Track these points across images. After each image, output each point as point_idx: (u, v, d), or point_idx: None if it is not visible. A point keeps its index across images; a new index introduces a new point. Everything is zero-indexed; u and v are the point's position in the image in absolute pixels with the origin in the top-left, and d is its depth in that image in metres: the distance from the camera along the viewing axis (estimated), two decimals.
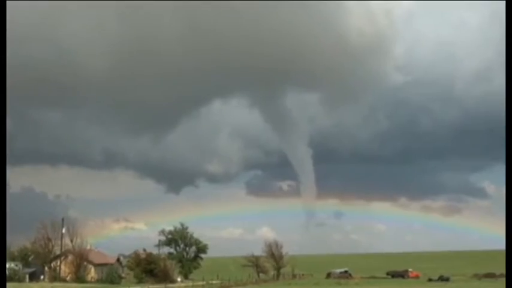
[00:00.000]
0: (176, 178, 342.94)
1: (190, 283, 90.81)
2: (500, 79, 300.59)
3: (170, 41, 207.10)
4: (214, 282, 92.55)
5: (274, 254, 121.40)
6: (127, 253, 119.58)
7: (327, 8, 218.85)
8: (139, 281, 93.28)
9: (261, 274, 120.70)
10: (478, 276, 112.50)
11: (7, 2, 34.01)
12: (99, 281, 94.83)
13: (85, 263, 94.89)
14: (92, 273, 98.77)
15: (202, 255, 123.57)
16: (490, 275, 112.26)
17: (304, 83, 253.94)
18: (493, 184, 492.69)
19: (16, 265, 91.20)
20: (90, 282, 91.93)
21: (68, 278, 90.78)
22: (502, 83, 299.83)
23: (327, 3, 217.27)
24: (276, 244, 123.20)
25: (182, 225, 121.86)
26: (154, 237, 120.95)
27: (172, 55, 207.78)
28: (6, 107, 31.94)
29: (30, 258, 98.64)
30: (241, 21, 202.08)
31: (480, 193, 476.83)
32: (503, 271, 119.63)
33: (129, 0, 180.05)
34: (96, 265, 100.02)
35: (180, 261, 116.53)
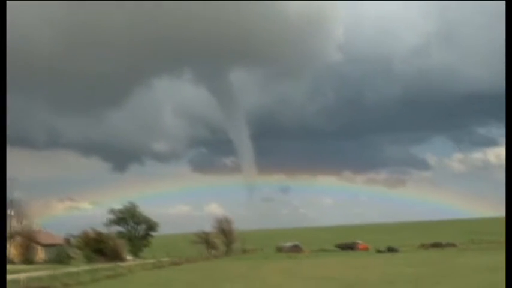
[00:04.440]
0: (121, 156, 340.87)
1: (140, 261, 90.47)
2: (438, 54, 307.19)
3: (114, 18, 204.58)
4: (164, 259, 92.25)
5: (224, 230, 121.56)
6: (74, 233, 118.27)
7: None
8: (89, 260, 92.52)
9: (211, 250, 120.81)
10: (425, 246, 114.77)
11: (7, 2, 33.09)
12: (48, 261, 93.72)
13: (33, 244, 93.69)
14: (41, 254, 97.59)
15: (152, 233, 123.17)
16: (436, 245, 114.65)
17: (249, 60, 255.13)
18: (435, 155, 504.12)
19: None
20: (39, 263, 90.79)
21: (16, 260, 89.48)
22: (440, 57, 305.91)
23: None
24: (226, 220, 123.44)
25: (131, 203, 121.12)
26: (102, 216, 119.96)
27: (117, 32, 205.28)
28: (6, 107, 31.15)
29: None
30: (183, 2, 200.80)
31: (422, 164, 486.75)
32: (449, 240, 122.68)
33: None
34: (44, 246, 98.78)
35: (129, 239, 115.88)
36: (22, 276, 49.55)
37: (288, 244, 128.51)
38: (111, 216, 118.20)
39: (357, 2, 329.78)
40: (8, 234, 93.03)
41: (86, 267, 70.21)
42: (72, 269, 66.36)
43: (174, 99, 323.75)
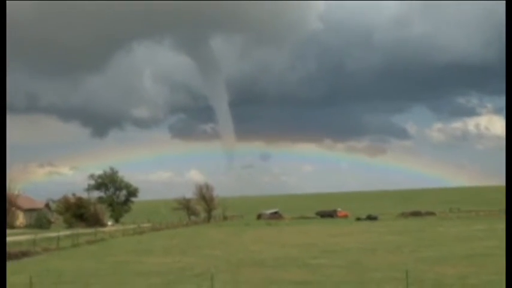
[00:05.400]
0: (101, 122, 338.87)
1: (121, 227, 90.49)
2: (419, 23, 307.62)
3: None
4: (145, 225, 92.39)
5: (205, 197, 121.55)
6: (55, 198, 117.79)
7: None
8: (69, 225, 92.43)
9: (192, 216, 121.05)
10: (404, 215, 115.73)
11: (7, 1, 32.38)
12: (28, 226, 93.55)
13: (13, 209, 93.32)
14: (21, 218, 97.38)
15: (133, 199, 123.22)
16: (416, 213, 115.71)
17: (230, 27, 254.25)
18: (415, 125, 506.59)
19: None
20: (19, 227, 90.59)
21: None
22: (420, 26, 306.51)
23: None
24: (207, 186, 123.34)
25: (112, 169, 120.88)
26: (82, 181, 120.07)
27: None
28: (6, 107, 30.66)
29: None
30: None
31: (402, 134, 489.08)
32: (428, 209, 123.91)
33: None
34: (24, 210, 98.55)
35: (110, 205, 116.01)
36: None
37: (269, 211, 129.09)
38: (92, 182, 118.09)
39: None
40: None
41: (67, 232, 70.18)
42: (52, 233, 66.28)
43: (154, 64, 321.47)
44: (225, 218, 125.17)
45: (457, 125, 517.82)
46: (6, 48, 31.40)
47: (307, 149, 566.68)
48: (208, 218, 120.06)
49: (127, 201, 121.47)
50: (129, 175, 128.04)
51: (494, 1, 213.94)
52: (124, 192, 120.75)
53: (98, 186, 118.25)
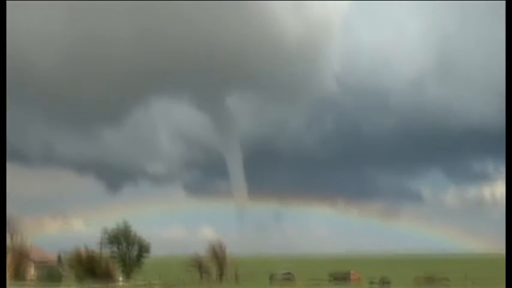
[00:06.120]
0: (116, 176, 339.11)
1: (132, 283, 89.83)
2: (436, 87, 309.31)
3: (113, 41, 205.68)
4: (156, 282, 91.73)
5: (217, 255, 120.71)
6: (67, 251, 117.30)
7: (267, 14, 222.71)
8: (80, 280, 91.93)
9: (203, 275, 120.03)
10: (419, 280, 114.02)
11: (7, 1, 33.12)
12: (39, 279, 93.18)
13: (25, 261, 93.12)
14: (32, 271, 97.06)
15: (145, 255, 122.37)
16: (430, 279, 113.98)
17: (246, 85, 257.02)
18: (429, 189, 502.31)
19: None
20: (30, 280, 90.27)
21: (7, 277, 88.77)
22: (437, 90, 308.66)
23: (266, 10, 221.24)
24: (219, 245, 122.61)
25: (125, 223, 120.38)
26: (95, 235, 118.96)
27: (115, 54, 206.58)
28: (6, 106, 31.14)
29: None
30: (184, 24, 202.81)
31: (416, 197, 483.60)
32: (443, 275, 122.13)
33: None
34: (36, 263, 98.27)
35: (122, 260, 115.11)
36: None
37: (281, 272, 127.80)
38: (104, 236, 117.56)
39: (355, 31, 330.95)
40: None
41: (77, 286, 69.79)
42: None
43: (171, 120, 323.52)
44: (236, 277, 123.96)
45: (472, 190, 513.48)
46: (6, 49, 31.61)
47: (321, 210, 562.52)
48: (220, 277, 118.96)
49: (139, 256, 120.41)
50: (141, 230, 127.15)
51: None
52: (136, 247, 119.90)
53: (111, 240, 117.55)
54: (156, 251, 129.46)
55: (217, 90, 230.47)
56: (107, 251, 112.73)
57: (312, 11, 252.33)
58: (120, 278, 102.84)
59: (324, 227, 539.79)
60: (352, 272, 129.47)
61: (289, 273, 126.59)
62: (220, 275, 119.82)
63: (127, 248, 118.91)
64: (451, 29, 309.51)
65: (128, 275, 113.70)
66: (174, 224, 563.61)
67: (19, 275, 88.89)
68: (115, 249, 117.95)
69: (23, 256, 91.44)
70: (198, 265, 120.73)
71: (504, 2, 25.87)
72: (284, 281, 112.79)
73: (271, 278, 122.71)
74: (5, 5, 29.80)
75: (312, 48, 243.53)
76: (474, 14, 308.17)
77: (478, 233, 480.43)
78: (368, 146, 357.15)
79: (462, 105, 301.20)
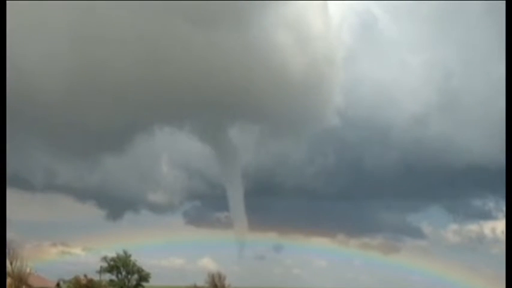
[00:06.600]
0: (116, 204, 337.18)
1: None
2: (438, 123, 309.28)
3: (118, 69, 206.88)
4: None
5: (217, 286, 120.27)
6: (66, 278, 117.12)
7: (270, 47, 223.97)
8: None
9: None
10: None
11: (7, 2, 33.63)
12: None
13: (24, 287, 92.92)
14: None
15: (144, 284, 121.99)
16: None
17: (248, 118, 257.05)
18: (430, 225, 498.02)
19: None
20: None
21: None
22: (439, 126, 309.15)
23: (270, 43, 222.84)
24: (219, 275, 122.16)
25: (125, 252, 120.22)
26: (93, 263, 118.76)
27: (118, 82, 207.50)
28: (6, 107, 31.48)
29: None
30: (187, 54, 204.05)
31: (417, 233, 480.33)
32: None
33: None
34: None
35: None
36: None
37: None
38: (104, 264, 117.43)
39: (357, 65, 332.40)
40: None
41: None
42: None
43: (173, 150, 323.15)
44: None
45: (472, 227, 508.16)
46: (6, 52, 31.91)
47: (321, 243, 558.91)
48: None
49: (138, 286, 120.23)
50: (141, 259, 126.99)
51: None
52: (136, 276, 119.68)
53: (110, 268, 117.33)
54: (156, 280, 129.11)
55: (219, 122, 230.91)
56: (106, 279, 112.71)
57: (315, 44, 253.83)
58: None
59: (323, 260, 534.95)
60: None
61: None
62: None
63: (126, 277, 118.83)
64: (455, 64, 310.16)
65: None
66: (173, 253, 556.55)
67: None
68: (114, 277, 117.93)
69: (22, 282, 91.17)
70: None
71: (504, 2, 26.34)
72: None
73: None
74: (5, 5, 30.31)
75: (315, 82, 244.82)
76: (478, 49, 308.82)
77: (478, 270, 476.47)
78: (369, 180, 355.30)
79: (462, 140, 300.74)
